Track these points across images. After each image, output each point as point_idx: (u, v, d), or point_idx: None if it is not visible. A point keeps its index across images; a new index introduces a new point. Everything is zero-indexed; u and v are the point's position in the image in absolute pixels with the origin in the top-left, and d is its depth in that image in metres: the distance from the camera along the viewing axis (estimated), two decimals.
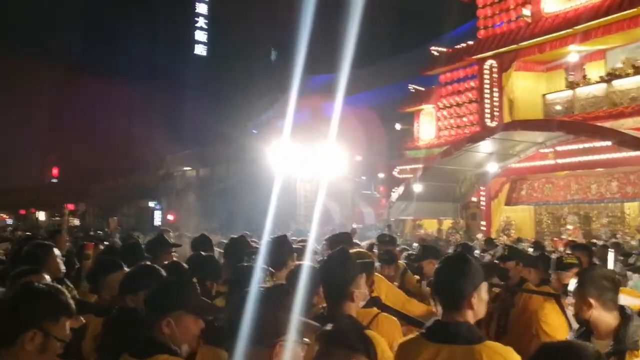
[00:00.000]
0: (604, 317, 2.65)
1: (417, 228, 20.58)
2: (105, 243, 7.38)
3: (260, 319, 1.75)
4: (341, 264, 2.71)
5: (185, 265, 3.94)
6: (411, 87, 23.03)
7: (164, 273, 3.07)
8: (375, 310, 3.07)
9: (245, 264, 3.40)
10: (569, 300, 2.83)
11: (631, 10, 15.43)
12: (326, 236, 6.70)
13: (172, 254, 5.10)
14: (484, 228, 18.76)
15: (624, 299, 3.15)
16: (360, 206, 24.67)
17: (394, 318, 3.09)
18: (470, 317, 2.24)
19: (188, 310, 2.36)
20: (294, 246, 5.89)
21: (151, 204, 37.31)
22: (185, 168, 39.50)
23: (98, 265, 3.83)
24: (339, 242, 4.84)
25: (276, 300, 1.84)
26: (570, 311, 3.18)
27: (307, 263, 3.60)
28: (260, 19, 47.91)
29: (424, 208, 18.06)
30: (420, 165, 18.41)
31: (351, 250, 3.30)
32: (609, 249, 6.43)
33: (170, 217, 30.22)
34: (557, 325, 3.57)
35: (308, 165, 20.25)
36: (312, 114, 30.52)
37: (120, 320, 2.85)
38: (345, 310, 2.60)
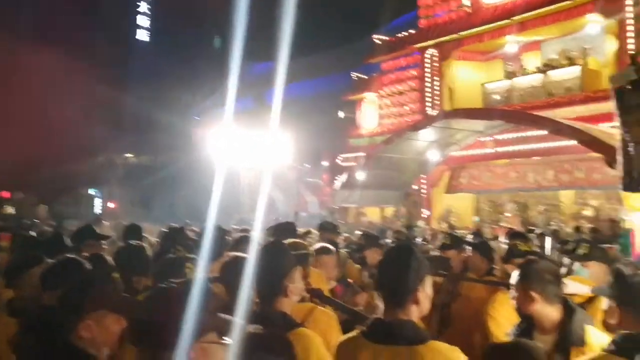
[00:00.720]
0: (548, 312, 2.59)
1: (360, 216, 20.69)
2: (32, 233, 6.89)
3: (172, 318, 1.54)
4: (275, 256, 2.55)
5: (109, 258, 3.70)
6: (354, 75, 23.04)
7: (88, 266, 2.85)
8: (310, 304, 2.92)
9: (172, 256, 3.18)
10: (512, 293, 2.77)
11: (566, 3, 15.86)
12: (269, 225, 6.51)
13: (104, 246, 4.82)
14: (425, 216, 19.05)
15: (574, 287, 3.15)
16: (304, 194, 24.60)
17: (331, 313, 2.95)
18: (415, 313, 2.13)
19: (108, 310, 2.17)
20: (238, 235, 5.74)
21: (91, 191, 36.16)
22: (126, 155, 38.45)
23: (16, 259, 3.55)
24: (282, 232, 4.65)
25: (192, 297, 1.64)
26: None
27: (243, 254, 3.45)
28: (205, 5, 46.92)
29: (367, 196, 18.14)
30: (363, 154, 18.46)
31: (286, 241, 3.16)
32: (546, 237, 6.59)
33: (111, 205, 29.35)
34: (507, 316, 3.47)
35: (252, 153, 20.00)
36: (255, 102, 30.19)
37: (40, 320, 2.62)
38: (278, 306, 2.43)
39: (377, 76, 22.26)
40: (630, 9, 14.81)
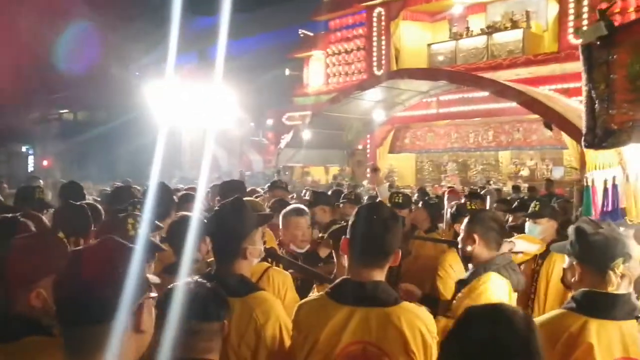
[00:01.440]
0: (483, 254, 2.74)
1: (305, 175, 20.73)
2: None
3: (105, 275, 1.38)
4: (235, 216, 2.41)
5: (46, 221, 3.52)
6: (301, 32, 22.68)
7: (32, 228, 2.69)
8: (265, 264, 2.87)
9: (121, 215, 3.05)
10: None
11: None
12: (212, 184, 6.36)
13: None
14: (368, 175, 19.25)
15: (522, 244, 3.26)
16: (248, 153, 24.35)
17: (285, 272, 2.92)
18: (385, 274, 2.10)
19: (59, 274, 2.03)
20: (183, 193, 5.60)
21: (24, 148, 34.62)
22: (61, 111, 36.83)
23: None
24: (231, 191, 4.36)
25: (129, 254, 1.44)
26: None
27: (193, 214, 3.36)
28: None
29: (312, 155, 18.15)
30: (309, 112, 18.37)
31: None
32: (488, 194, 6.81)
33: (44, 162, 28.24)
34: (455, 276, 3.57)
35: (194, 111, 19.53)
36: (199, 57, 29.36)
37: None
38: (236, 268, 2.33)
39: (324, 34, 22.00)
40: None
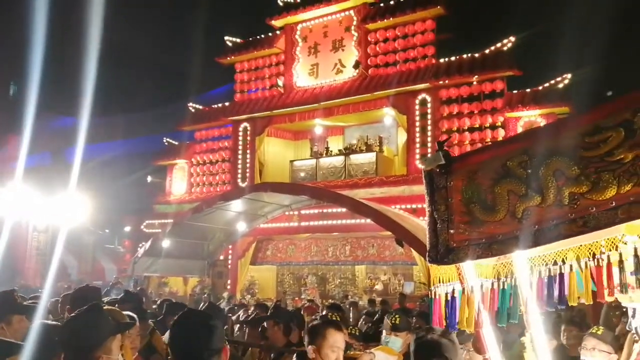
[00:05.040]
0: None
1: (162, 286, 19.93)
2: None
3: None
4: (90, 324, 2.35)
5: None
6: (166, 140, 22.74)
7: None
8: None
9: None
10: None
11: (364, 95, 17.72)
12: (64, 293, 6.03)
13: None
14: (229, 286, 18.99)
15: (382, 356, 3.45)
16: (101, 261, 23.01)
17: None
18: None
19: None
20: (25, 303, 5.20)
21: None
22: None
23: None
24: (83, 299, 4.26)
25: None
26: None
27: (42, 322, 3.18)
28: (1, 46, 43.08)
29: (171, 265, 17.60)
30: (170, 220, 18.05)
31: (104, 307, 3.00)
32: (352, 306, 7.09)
33: None
34: None
35: (44, 213, 18.35)
36: (53, 158, 28.03)
37: None
38: None
39: (190, 143, 22.22)
40: (417, 107, 17.02)
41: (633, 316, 2.75)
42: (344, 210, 15.15)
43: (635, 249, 2.21)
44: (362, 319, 7.12)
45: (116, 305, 5.90)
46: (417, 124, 17.01)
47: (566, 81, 15.56)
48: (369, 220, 13.69)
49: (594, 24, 16.38)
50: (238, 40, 21.49)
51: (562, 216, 2.20)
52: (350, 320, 6.97)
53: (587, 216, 2.15)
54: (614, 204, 2.11)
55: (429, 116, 16.81)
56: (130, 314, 3.98)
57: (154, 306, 7.38)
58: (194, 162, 21.93)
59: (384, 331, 4.32)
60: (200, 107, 22.19)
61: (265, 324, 5.15)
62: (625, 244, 2.30)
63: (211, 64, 22.30)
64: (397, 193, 16.62)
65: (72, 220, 17.50)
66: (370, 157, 18.24)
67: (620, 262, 2.23)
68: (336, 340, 3.07)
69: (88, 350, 2.28)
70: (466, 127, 16.26)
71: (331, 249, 18.91)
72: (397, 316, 4.29)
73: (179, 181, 22.23)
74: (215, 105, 21.81)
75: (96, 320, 2.38)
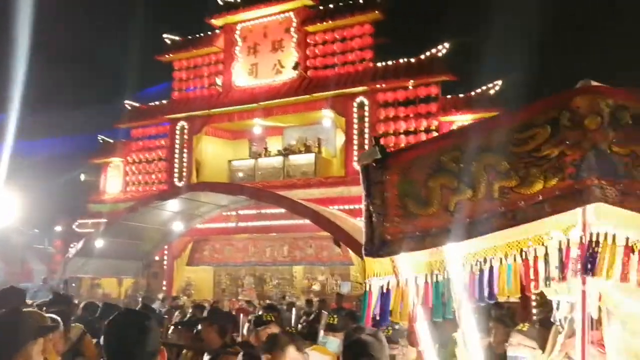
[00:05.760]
0: None
1: (95, 287, 19.32)
2: None
3: None
4: (7, 328, 2.27)
5: None
6: (101, 138, 22.06)
7: None
8: None
9: None
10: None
11: (303, 97, 17.78)
12: None
13: None
14: (165, 288, 18.62)
15: (315, 356, 3.46)
16: (30, 262, 22.04)
17: None
18: None
19: None
20: None
21: None
22: None
23: None
24: (5, 302, 4.09)
25: None
26: None
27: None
28: None
29: (104, 265, 17.08)
30: (104, 220, 17.52)
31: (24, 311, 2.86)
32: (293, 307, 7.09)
33: None
34: None
35: None
36: None
37: None
38: None
39: (126, 141, 21.64)
40: (354, 109, 17.21)
41: (557, 308, 2.88)
42: (282, 210, 15.16)
43: (560, 242, 2.32)
44: (300, 319, 7.15)
45: (44, 308, 5.70)
46: (355, 126, 17.21)
47: (497, 87, 16.15)
48: (307, 221, 13.79)
49: (525, 31, 17.09)
50: (177, 38, 21.13)
51: (492, 209, 2.28)
52: (290, 320, 6.96)
53: (516, 210, 2.24)
54: (541, 198, 2.20)
55: (367, 119, 17.03)
56: (54, 316, 3.83)
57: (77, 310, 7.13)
58: (130, 160, 21.37)
59: (321, 331, 4.33)
60: (138, 104, 21.66)
61: (199, 326, 5.09)
62: (552, 239, 2.41)
63: (150, 62, 21.84)
64: (335, 194, 16.75)
65: (0, 220, 16.69)
66: (309, 158, 18.31)
67: (546, 256, 2.33)
68: (292, 358, 3.11)
69: (6, 356, 2.17)
70: (402, 131, 16.58)
71: (269, 250, 18.86)
72: (335, 316, 4.32)
73: (114, 180, 21.61)
74: (153, 103, 21.35)
75: (15, 324, 2.27)
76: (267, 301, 14.97)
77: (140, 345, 2.06)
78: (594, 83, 2.24)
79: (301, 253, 18.44)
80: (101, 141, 22.04)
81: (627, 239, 2.23)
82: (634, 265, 2.25)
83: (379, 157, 2.54)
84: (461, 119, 16.16)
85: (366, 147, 16.77)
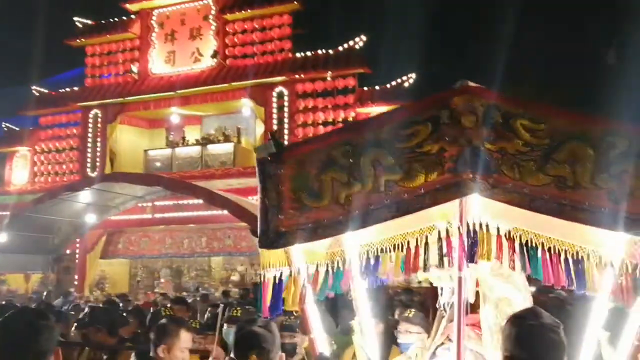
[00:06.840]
0: None
1: (0, 283, 18.37)
2: None
3: None
4: None
5: None
6: (5, 125, 20.89)
7: None
8: None
9: None
10: None
11: (222, 85, 17.61)
12: None
13: None
14: (77, 282, 18.01)
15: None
16: None
17: None
18: None
19: None
20: None
21: None
22: None
23: None
24: None
25: None
26: None
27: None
28: None
29: (9, 261, 16.19)
30: (8, 213, 16.64)
31: None
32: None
33: None
34: None
35: None
36: None
37: None
38: None
39: (33, 130, 20.58)
40: (274, 99, 17.22)
41: (441, 294, 3.08)
42: (200, 201, 15.00)
43: (439, 232, 2.49)
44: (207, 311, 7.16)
45: None
46: (275, 116, 17.21)
47: (411, 80, 16.65)
48: (225, 212, 13.72)
49: (441, 25, 17.67)
50: (89, 22, 20.30)
51: (379, 201, 2.42)
52: (204, 312, 6.94)
53: (399, 201, 2.39)
54: (422, 191, 2.36)
55: (286, 109, 17.09)
56: None
57: None
58: (38, 149, 20.37)
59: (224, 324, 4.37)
60: (46, 91, 20.65)
61: (85, 331, 4.98)
62: (437, 230, 2.58)
63: (60, 46, 20.82)
64: (254, 184, 16.17)
65: None
66: (228, 147, 18.17)
67: (426, 245, 2.52)
68: (186, 340, 3.16)
69: None
70: (320, 121, 16.76)
71: (186, 241, 18.60)
72: (238, 308, 4.39)
73: (21, 170, 20.54)
74: (63, 90, 20.42)
75: None
76: (184, 293, 14.81)
77: (31, 345, 2.02)
78: (471, 84, 2.41)
79: (219, 244, 18.32)
80: (5, 129, 20.89)
81: (498, 228, 2.43)
82: (506, 252, 2.46)
83: (274, 152, 2.62)
84: (377, 111, 16.48)
85: (286, 137, 16.84)
